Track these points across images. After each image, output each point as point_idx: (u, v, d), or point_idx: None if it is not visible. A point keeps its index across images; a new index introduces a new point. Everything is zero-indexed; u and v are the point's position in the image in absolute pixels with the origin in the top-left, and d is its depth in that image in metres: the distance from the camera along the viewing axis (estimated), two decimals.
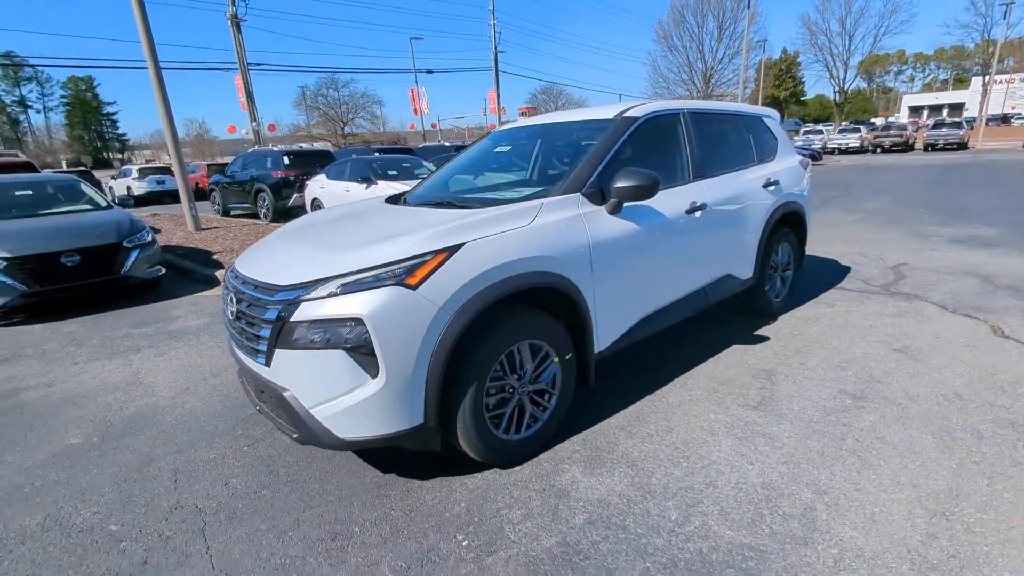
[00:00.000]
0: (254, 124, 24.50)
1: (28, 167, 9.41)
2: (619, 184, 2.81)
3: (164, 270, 6.50)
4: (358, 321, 2.12)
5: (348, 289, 2.17)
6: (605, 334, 2.93)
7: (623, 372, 3.56)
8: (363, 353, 2.15)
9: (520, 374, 2.59)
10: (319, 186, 10.30)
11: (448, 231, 2.39)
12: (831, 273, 5.69)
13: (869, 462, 2.49)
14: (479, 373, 2.38)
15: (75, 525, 2.38)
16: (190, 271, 7.19)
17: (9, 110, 65.10)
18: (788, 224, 4.44)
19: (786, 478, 2.41)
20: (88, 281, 5.69)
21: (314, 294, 2.20)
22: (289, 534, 2.25)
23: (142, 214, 13.99)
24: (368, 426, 2.21)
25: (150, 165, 23.44)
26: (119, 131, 70.32)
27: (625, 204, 2.94)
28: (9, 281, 5.30)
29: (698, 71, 43.91)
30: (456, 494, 2.44)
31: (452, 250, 2.30)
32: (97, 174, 21.64)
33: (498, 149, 4.08)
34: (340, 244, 2.48)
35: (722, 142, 3.96)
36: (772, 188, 4.08)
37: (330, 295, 2.18)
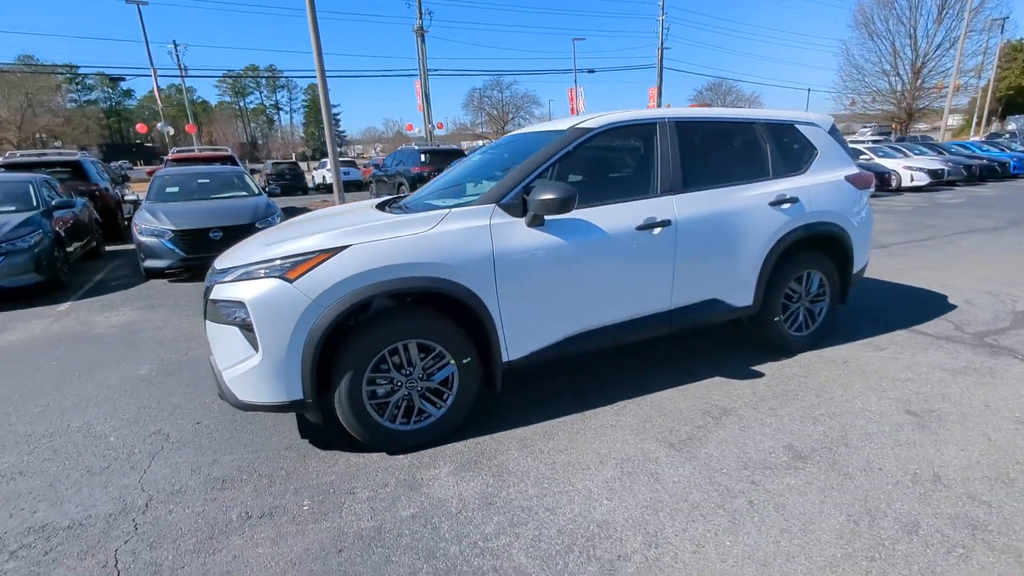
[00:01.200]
0: (428, 125, 27.16)
1: (229, 160, 11.80)
2: (533, 197, 2.77)
3: None
4: (241, 304, 2.49)
5: (242, 277, 2.56)
6: (516, 345, 2.92)
7: (571, 386, 3.46)
8: (249, 331, 2.52)
9: (408, 370, 2.75)
10: None
11: (344, 234, 2.64)
12: (921, 309, 4.65)
13: (739, 527, 2.16)
14: (357, 362, 2.61)
15: (94, 430, 3.16)
16: None
17: (267, 112, 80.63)
18: (820, 248, 3.79)
19: (631, 522, 2.21)
20: None
21: (225, 279, 2.63)
22: (204, 469, 2.73)
23: (315, 201, 16.58)
24: (255, 393, 2.59)
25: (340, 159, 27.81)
26: (340, 129, 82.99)
27: (550, 217, 2.88)
28: (173, 248, 6.87)
29: (906, 60, 36.87)
30: (336, 466, 2.70)
31: (335, 251, 2.55)
32: (314, 165, 26.44)
33: (478, 157, 4.24)
34: (271, 240, 2.89)
35: (718, 153, 3.54)
36: (787, 206, 3.53)
37: (231, 280, 2.59)
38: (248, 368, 2.55)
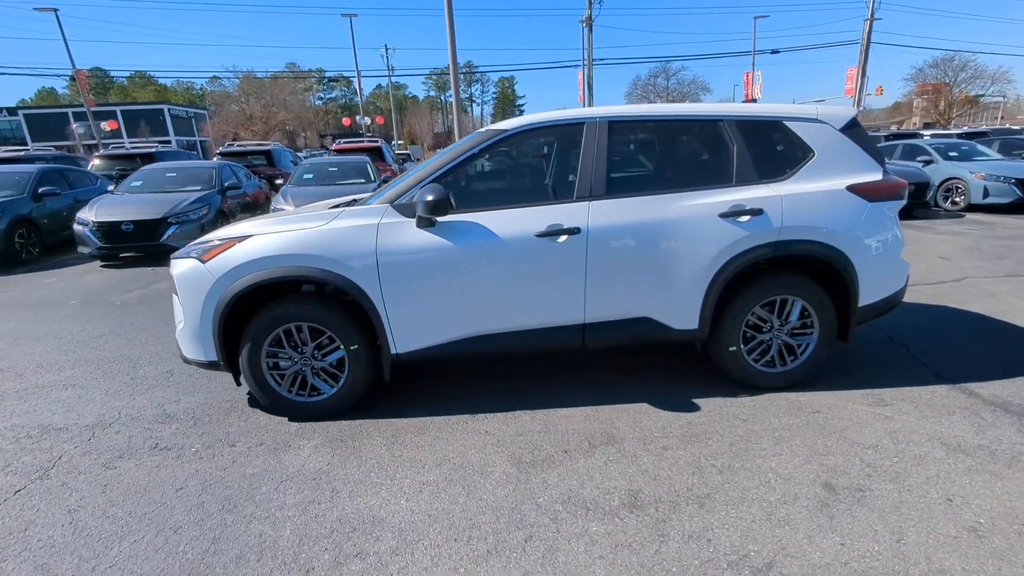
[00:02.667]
0: None
1: (375, 151, 13.35)
2: (418, 199, 2.83)
3: None
4: (173, 278, 3.03)
5: (179, 256, 3.10)
6: (405, 339, 3.01)
7: (485, 387, 3.41)
8: (178, 299, 3.06)
9: (302, 349, 3.05)
10: None
11: (256, 225, 3.03)
12: (995, 360, 3.45)
13: (488, 561, 2.03)
14: (256, 336, 2.99)
15: (140, 367, 4.10)
16: None
17: (463, 105, 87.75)
18: (803, 271, 3.09)
19: (402, 525, 2.22)
20: None
21: (176, 255, 3.20)
22: (167, 405, 3.40)
23: None
24: (187, 350, 3.13)
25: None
26: None
27: (443, 219, 2.90)
28: None
29: None
30: (245, 422, 3.13)
31: (241, 239, 2.95)
32: None
33: None
34: (224, 228, 3.39)
35: (663, 156, 3.08)
36: (745, 219, 2.95)
37: (175, 258, 3.14)
38: (179, 329, 3.10)
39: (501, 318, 3.03)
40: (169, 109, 58.30)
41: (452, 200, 2.81)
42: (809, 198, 3.01)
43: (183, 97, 75.33)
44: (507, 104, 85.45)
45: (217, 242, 2.99)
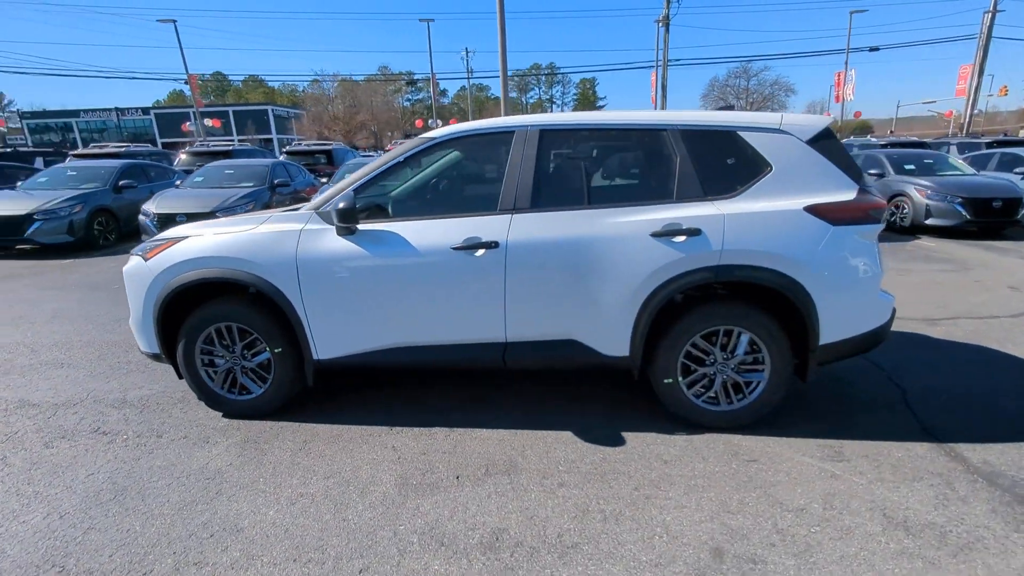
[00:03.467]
0: None
1: (327, 154, 13.47)
2: (331, 207, 2.79)
3: None
4: (123, 273, 3.21)
5: (132, 252, 3.26)
6: (326, 346, 2.99)
7: (420, 400, 3.31)
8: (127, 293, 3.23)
9: (232, 348, 3.11)
10: None
11: (197, 226, 3.12)
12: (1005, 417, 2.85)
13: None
14: (189, 332, 3.08)
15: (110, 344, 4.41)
16: None
17: (544, 106, 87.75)
18: (751, 301, 2.71)
19: (232, 531, 2.18)
20: None
21: (131, 252, 3.36)
22: (130, 391, 3.61)
23: None
24: (137, 340, 3.29)
25: None
26: None
27: (363, 227, 2.85)
28: None
29: None
30: (185, 414, 3.25)
31: (177, 240, 3.05)
32: None
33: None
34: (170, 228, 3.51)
35: (598, 168, 2.81)
36: (680, 240, 2.63)
37: (130, 254, 3.31)
38: (130, 320, 3.27)
39: (422, 331, 2.93)
40: (272, 110, 63.18)
41: (361, 208, 2.75)
42: (757, 219, 2.63)
43: (287, 99, 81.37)
44: (588, 105, 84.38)
45: (159, 241, 3.12)
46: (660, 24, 25.95)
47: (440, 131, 2.98)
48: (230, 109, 62.22)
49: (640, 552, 2.04)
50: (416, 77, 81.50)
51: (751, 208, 2.66)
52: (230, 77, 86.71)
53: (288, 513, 2.33)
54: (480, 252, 2.77)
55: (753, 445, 2.73)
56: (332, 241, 2.88)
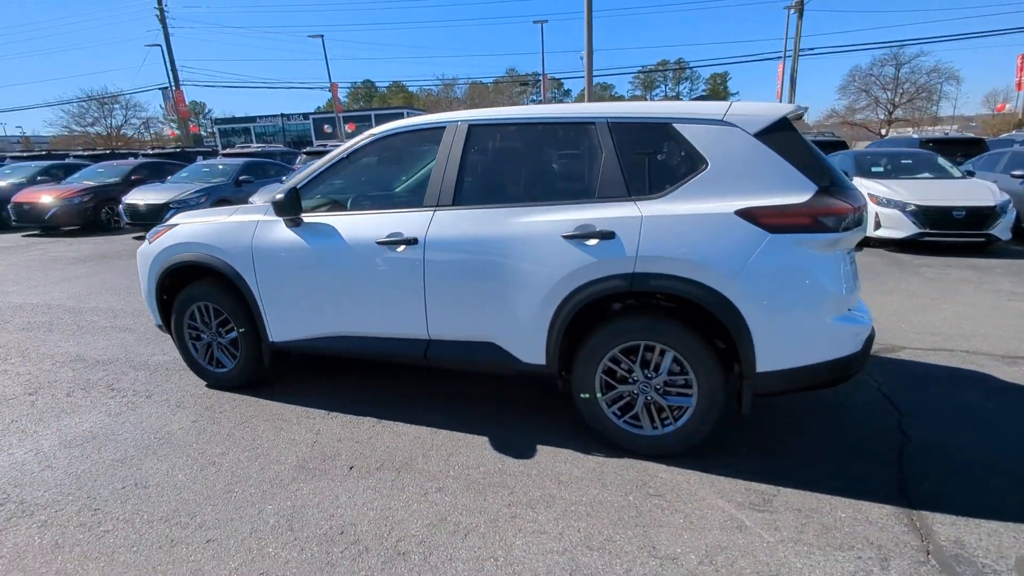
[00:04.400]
0: None
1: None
2: (272, 200, 2.95)
3: None
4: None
5: (147, 236, 3.73)
6: (279, 329, 3.18)
7: (383, 389, 3.38)
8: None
9: (210, 325, 3.43)
10: None
11: (189, 215, 3.50)
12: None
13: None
14: (178, 308, 3.46)
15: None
16: None
17: None
18: (673, 315, 2.34)
19: (68, 497, 2.40)
20: None
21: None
22: (152, 358, 4.15)
23: None
24: (150, 314, 3.77)
25: None
26: None
27: (307, 219, 2.99)
28: None
29: None
30: (168, 383, 3.66)
31: (172, 227, 3.43)
32: None
33: None
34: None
35: (523, 163, 2.61)
36: (592, 243, 2.36)
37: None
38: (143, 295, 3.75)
39: (354, 322, 2.99)
40: (407, 112, 68.21)
41: (322, 202, 2.88)
42: (680, 222, 2.29)
43: (422, 102, 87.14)
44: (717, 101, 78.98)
45: (162, 227, 3.54)
46: (792, 11, 23.47)
47: (380, 128, 3.00)
48: (372, 113, 68.29)
49: (464, 573, 1.90)
50: (539, 78, 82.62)
51: (675, 210, 2.32)
52: (377, 84, 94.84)
53: (193, 478, 2.53)
54: (401, 248, 2.75)
55: (670, 479, 2.39)
56: (280, 231, 3.05)
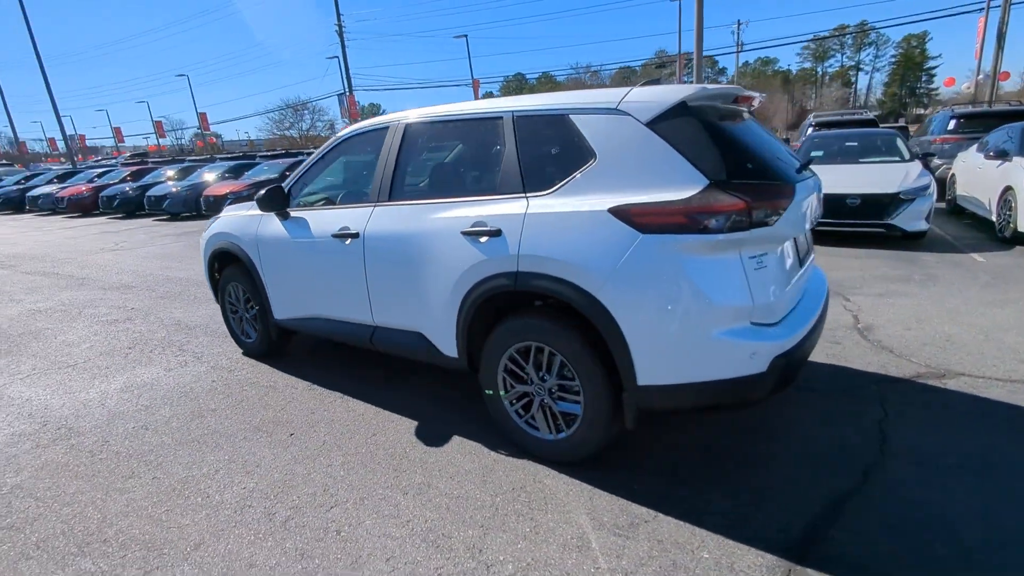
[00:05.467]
0: (980, 76, 18.92)
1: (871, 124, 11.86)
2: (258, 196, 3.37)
3: None
4: None
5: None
6: (279, 308, 3.63)
7: (398, 373, 3.67)
8: None
9: (240, 304, 4.03)
10: (961, 160, 8.42)
11: (229, 208, 4.11)
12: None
13: None
14: (221, 287, 4.12)
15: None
16: None
17: (849, 74, 72.81)
18: (559, 318, 2.17)
19: (136, 425, 2.97)
20: None
21: None
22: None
23: None
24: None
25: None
26: (932, 86, 65.31)
27: (294, 213, 3.37)
28: None
29: None
30: (230, 347, 4.36)
31: (218, 217, 4.08)
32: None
33: None
34: None
35: (445, 160, 2.59)
36: (484, 240, 2.29)
37: None
38: None
39: (323, 306, 3.31)
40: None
41: (280, 197, 3.25)
42: (558, 220, 2.13)
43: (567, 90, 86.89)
44: (912, 69, 66.12)
45: (214, 218, 4.22)
46: None
47: (345, 130, 3.24)
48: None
49: (304, 539, 2.06)
50: (688, 58, 77.09)
51: (556, 207, 2.17)
52: (527, 75, 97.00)
53: (180, 427, 3.04)
54: (348, 241, 2.96)
55: (552, 486, 2.28)
56: (274, 223, 3.46)
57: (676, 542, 1.92)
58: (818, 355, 3.43)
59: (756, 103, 2.52)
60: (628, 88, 2.18)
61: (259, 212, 3.60)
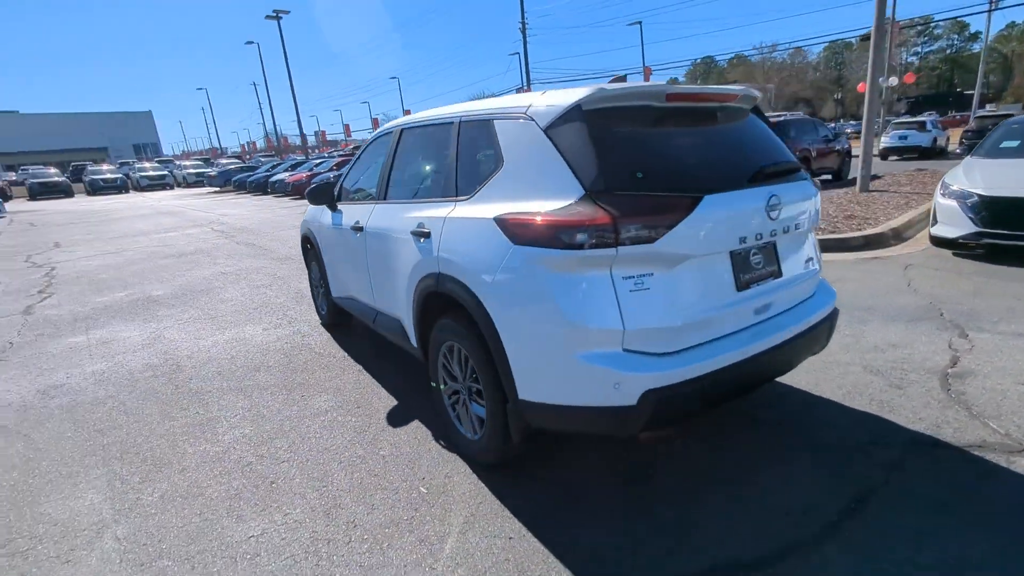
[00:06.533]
0: None
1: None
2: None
3: None
4: None
5: None
6: (335, 287, 4.17)
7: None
8: None
9: (315, 281, 4.70)
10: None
11: None
12: None
13: None
14: (308, 265, 4.86)
15: None
16: None
17: None
18: (463, 320, 2.14)
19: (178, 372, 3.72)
20: None
21: None
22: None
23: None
24: None
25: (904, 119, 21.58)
26: None
27: (340, 205, 3.84)
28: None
29: None
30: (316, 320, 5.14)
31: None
32: None
33: None
34: None
35: (421, 162, 2.71)
36: (423, 241, 2.37)
37: None
38: None
39: (351, 288, 3.73)
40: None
41: (329, 192, 3.72)
42: (462, 226, 2.14)
43: (764, 72, 78.10)
44: None
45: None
46: None
47: (373, 133, 3.53)
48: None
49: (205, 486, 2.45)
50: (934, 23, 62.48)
51: (466, 213, 2.16)
52: (717, 58, 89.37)
53: (235, 371, 3.75)
54: (358, 233, 3.30)
55: (459, 484, 2.31)
56: (328, 215, 3.98)
57: (522, 567, 1.83)
58: (860, 400, 2.76)
59: (731, 101, 2.15)
60: (537, 94, 2.06)
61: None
